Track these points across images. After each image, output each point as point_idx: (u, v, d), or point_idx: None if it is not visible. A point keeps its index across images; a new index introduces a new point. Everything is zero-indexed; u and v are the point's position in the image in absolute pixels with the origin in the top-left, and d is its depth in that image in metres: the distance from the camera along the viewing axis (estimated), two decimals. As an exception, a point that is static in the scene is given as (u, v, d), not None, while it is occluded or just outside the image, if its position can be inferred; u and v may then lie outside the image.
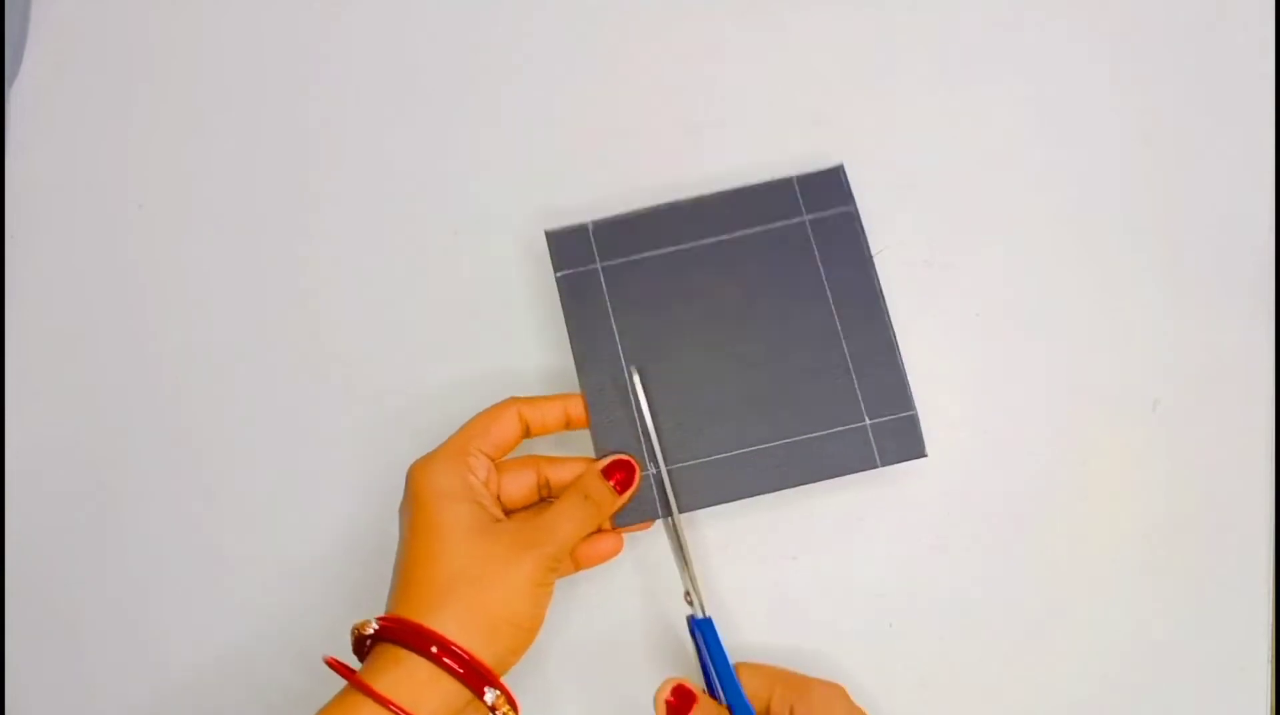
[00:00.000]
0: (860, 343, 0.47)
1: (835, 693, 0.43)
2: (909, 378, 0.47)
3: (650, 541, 0.49)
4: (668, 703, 0.42)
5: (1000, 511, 0.50)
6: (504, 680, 0.41)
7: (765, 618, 0.48)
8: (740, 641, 0.48)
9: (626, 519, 0.46)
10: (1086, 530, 0.50)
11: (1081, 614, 0.49)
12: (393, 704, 0.38)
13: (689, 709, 0.41)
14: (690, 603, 0.45)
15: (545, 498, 0.46)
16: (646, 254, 0.48)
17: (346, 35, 0.54)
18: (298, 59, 0.53)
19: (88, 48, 0.53)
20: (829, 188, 0.49)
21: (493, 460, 0.45)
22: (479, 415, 0.45)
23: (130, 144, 0.53)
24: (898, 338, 0.47)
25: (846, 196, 0.48)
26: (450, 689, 0.39)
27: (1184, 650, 0.49)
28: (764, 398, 0.47)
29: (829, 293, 0.48)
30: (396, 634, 0.39)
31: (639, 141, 0.53)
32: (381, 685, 0.38)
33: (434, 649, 0.39)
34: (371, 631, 0.40)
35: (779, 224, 0.48)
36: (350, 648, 0.41)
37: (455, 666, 0.39)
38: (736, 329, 0.47)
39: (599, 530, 0.46)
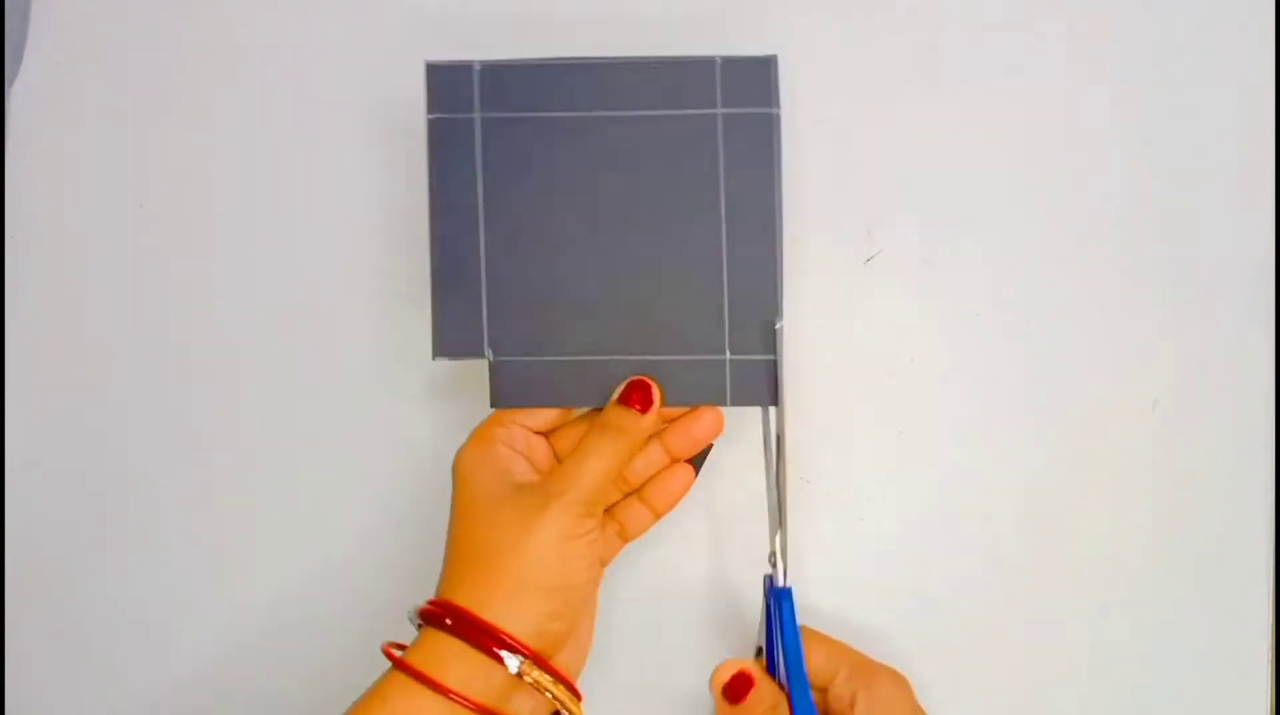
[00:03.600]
0: (742, 269, 0.43)
1: (901, 689, 0.42)
2: (784, 321, 0.43)
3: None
4: (726, 686, 0.40)
5: (1000, 511, 0.50)
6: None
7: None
8: (740, 641, 0.48)
9: (689, 397, 0.43)
10: (1086, 530, 0.50)
11: (1081, 614, 0.49)
12: (410, 667, 0.38)
13: (747, 692, 0.40)
14: (774, 565, 0.42)
15: None
16: (534, 114, 0.43)
17: (347, 33, 0.54)
18: (299, 57, 0.53)
19: (88, 48, 0.53)
20: (755, 81, 0.43)
21: (535, 429, 0.43)
22: None
23: (130, 144, 0.53)
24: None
25: (771, 95, 0.43)
26: (475, 660, 0.38)
27: (1184, 650, 0.49)
28: (627, 304, 0.43)
29: (723, 204, 0.43)
30: (427, 613, 0.39)
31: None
32: (414, 659, 0.38)
33: (449, 621, 0.38)
34: (414, 616, 0.40)
35: (688, 112, 0.43)
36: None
37: (472, 635, 0.38)
38: (614, 223, 0.43)
39: (668, 466, 0.44)
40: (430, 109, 0.43)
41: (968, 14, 0.52)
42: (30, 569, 0.51)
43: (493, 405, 0.43)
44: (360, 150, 0.52)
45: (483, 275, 0.43)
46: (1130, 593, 0.49)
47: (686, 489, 0.44)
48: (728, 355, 0.43)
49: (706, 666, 0.42)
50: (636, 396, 0.42)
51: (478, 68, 0.43)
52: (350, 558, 0.50)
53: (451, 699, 0.37)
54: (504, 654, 0.38)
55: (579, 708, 0.41)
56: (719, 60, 0.43)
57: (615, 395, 0.43)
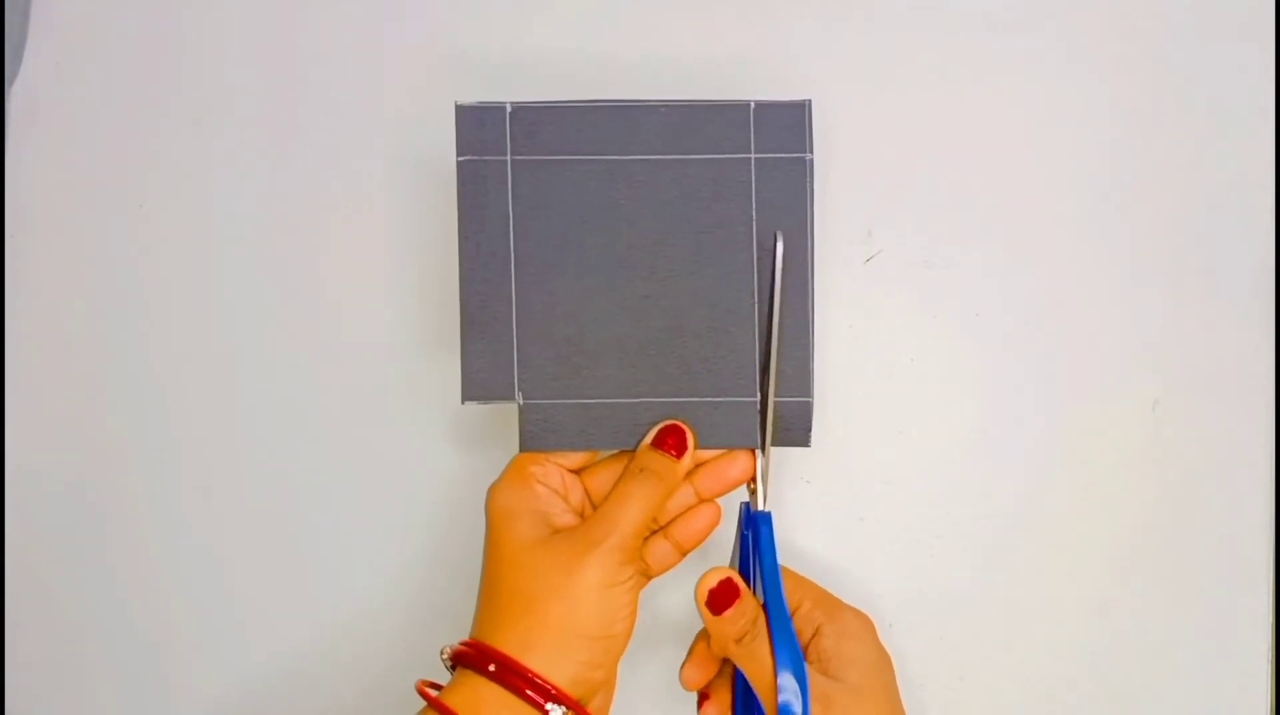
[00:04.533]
0: (774, 309, 0.43)
1: (864, 624, 0.42)
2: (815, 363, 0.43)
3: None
4: (711, 592, 0.39)
5: (1000, 512, 0.50)
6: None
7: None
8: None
9: (720, 440, 0.43)
10: (1086, 530, 0.50)
11: (1081, 614, 0.50)
12: (450, 710, 0.37)
13: (730, 604, 0.39)
14: (753, 492, 0.43)
15: None
16: (564, 157, 0.43)
17: (347, 32, 0.54)
18: (299, 56, 0.53)
19: (88, 48, 0.53)
20: (788, 126, 0.43)
21: (570, 468, 0.43)
22: None
23: (130, 144, 0.53)
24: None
25: (804, 141, 0.43)
26: (516, 709, 0.38)
27: (1184, 650, 0.49)
28: (656, 347, 0.43)
29: (755, 248, 0.43)
30: (463, 655, 0.39)
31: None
32: (453, 701, 0.38)
33: (492, 667, 0.38)
34: (447, 656, 0.40)
35: (720, 157, 0.43)
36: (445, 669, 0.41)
37: (516, 684, 0.37)
38: (644, 265, 0.43)
39: (695, 504, 0.43)
40: (460, 151, 0.43)
41: (968, 14, 0.52)
42: (31, 561, 0.51)
43: (522, 448, 0.43)
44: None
45: (513, 318, 0.43)
46: (1130, 593, 0.49)
47: (713, 526, 0.43)
48: (758, 396, 0.43)
49: (677, 594, 0.41)
50: (671, 441, 0.42)
51: (509, 109, 0.43)
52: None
53: None
54: (549, 705, 0.38)
55: None
56: (752, 104, 0.43)
57: (649, 439, 0.43)
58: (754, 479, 0.43)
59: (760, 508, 0.42)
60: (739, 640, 0.40)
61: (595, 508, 0.43)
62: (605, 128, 0.43)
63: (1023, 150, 0.52)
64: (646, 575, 0.44)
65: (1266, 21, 0.52)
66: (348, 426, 0.51)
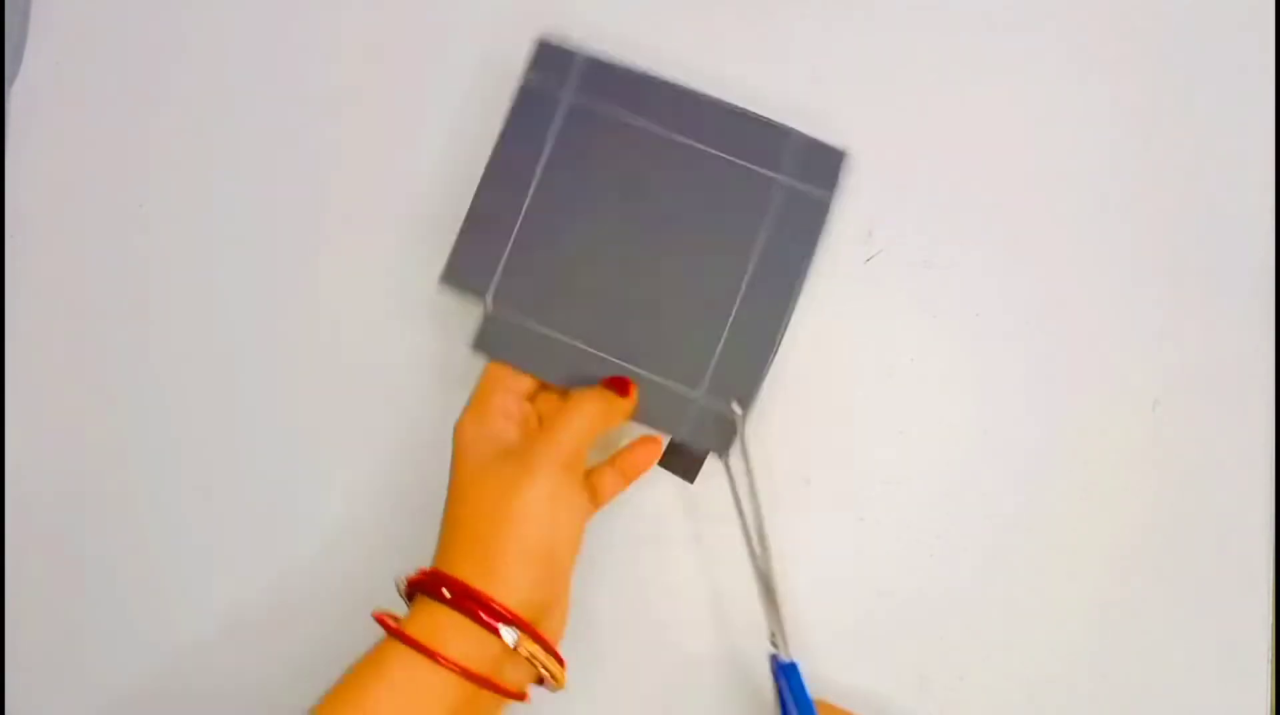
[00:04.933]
0: (748, 322, 0.45)
1: None
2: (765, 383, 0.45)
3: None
4: (603, 381, 0.42)
5: (1000, 511, 0.50)
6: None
7: (765, 619, 0.48)
8: (739, 643, 0.48)
9: (650, 418, 0.45)
10: (1086, 530, 0.50)
11: (1081, 614, 0.49)
12: (410, 639, 0.38)
13: (628, 391, 0.42)
14: (775, 644, 0.44)
15: None
16: (615, 116, 0.45)
17: (347, 32, 0.54)
18: (299, 56, 0.53)
19: (88, 48, 0.53)
20: (823, 164, 0.46)
21: (526, 394, 0.45)
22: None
23: (131, 143, 0.53)
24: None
25: (833, 184, 0.46)
26: (472, 632, 0.38)
27: (1184, 650, 0.49)
28: (633, 313, 0.45)
29: (752, 259, 0.45)
30: (419, 583, 0.40)
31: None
32: (413, 629, 0.38)
33: (446, 592, 0.38)
34: (403, 584, 0.41)
35: (754, 168, 0.45)
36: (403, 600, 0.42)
37: (470, 607, 0.38)
38: (651, 237, 0.45)
39: (638, 440, 0.46)
40: (525, 78, 0.45)
41: (968, 14, 0.52)
42: (31, 561, 0.51)
43: (473, 346, 0.45)
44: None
45: (513, 233, 0.45)
46: (1130, 593, 0.49)
47: (655, 457, 0.46)
48: (702, 393, 0.45)
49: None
50: (618, 385, 0.45)
51: (582, 56, 0.46)
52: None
53: (453, 671, 0.37)
54: (501, 627, 0.38)
55: (564, 675, 0.41)
56: (795, 134, 0.46)
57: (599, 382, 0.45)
58: (773, 632, 0.44)
59: (786, 658, 0.43)
60: None
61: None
62: (662, 101, 0.45)
63: (1023, 150, 0.52)
64: (594, 502, 0.45)
65: (1266, 21, 0.52)
66: (348, 427, 0.51)
